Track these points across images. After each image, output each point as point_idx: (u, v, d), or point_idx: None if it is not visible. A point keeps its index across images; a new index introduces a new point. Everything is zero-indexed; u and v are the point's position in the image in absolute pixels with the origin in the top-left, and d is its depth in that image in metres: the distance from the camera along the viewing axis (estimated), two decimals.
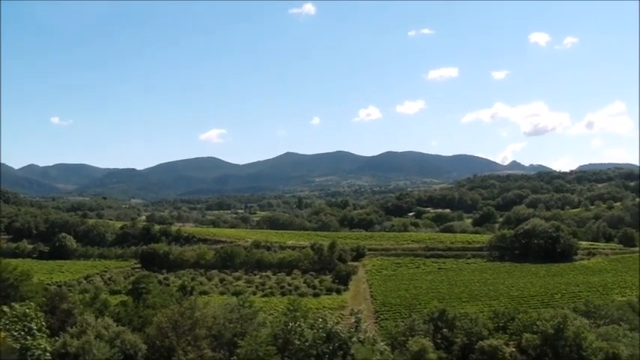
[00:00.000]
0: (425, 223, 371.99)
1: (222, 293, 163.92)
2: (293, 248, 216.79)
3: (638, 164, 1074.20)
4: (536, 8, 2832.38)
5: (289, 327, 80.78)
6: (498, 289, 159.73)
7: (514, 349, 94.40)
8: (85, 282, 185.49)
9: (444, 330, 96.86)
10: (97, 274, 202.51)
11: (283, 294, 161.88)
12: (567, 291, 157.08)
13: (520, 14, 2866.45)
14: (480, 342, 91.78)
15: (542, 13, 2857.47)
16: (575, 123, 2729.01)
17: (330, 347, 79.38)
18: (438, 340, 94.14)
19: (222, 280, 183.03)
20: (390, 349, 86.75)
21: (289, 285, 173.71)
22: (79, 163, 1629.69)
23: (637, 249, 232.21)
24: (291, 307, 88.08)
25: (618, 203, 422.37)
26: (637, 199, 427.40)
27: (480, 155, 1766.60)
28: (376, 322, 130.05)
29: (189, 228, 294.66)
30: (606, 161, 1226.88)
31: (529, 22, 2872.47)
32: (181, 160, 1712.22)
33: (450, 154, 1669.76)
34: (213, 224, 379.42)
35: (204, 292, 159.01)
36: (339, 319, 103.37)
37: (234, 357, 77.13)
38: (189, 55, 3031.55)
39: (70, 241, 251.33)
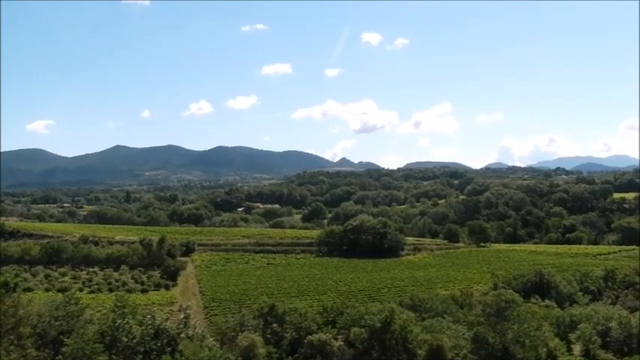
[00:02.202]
0: (254, 218, 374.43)
1: (47, 290, 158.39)
2: (122, 243, 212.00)
3: (462, 163, 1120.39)
4: (369, 9, 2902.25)
5: (117, 324, 79.62)
6: (326, 284, 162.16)
7: (342, 343, 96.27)
8: None
9: (274, 325, 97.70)
10: None
11: (111, 290, 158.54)
12: (393, 285, 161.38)
13: (354, 14, 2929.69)
14: (309, 336, 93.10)
15: (376, 13, 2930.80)
16: (404, 122, 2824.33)
17: (159, 344, 78.88)
18: (268, 335, 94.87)
19: (47, 277, 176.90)
20: (220, 344, 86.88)
21: (117, 281, 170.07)
22: None
23: (461, 244, 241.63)
24: (119, 304, 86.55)
25: (443, 200, 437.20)
26: (461, 197, 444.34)
27: (311, 152, 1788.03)
28: (206, 318, 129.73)
29: (13, 222, 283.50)
30: (432, 160, 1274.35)
31: (362, 22, 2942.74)
32: (5, 152, 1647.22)
33: (281, 150, 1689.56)
34: (39, 218, 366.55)
35: (29, 289, 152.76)
36: (169, 316, 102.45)
37: (60, 356, 75.28)
38: (13, 41, 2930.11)
39: None
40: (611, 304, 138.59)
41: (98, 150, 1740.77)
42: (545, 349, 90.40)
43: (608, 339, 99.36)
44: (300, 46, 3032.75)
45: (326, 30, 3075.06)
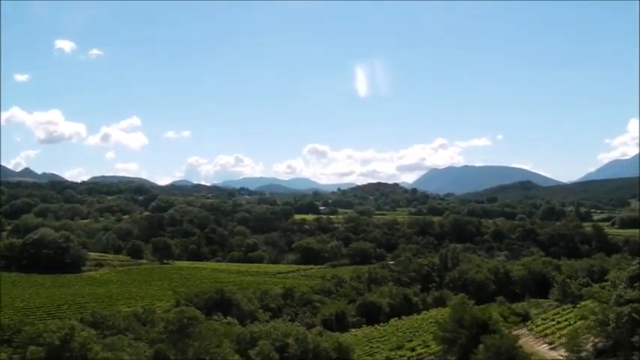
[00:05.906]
0: None
1: None
2: None
3: (148, 179, 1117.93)
4: (65, 15, 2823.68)
5: None
6: (3, 301, 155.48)
7: None
8: None
9: None
10: None
11: None
12: (74, 302, 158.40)
13: (48, 18, 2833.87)
14: None
15: (70, 21, 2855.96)
16: (92, 134, 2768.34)
17: None
18: None
19: None
20: None
21: None
22: None
23: (144, 261, 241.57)
24: None
25: (127, 216, 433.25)
26: (145, 213, 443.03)
27: None
28: None
29: None
30: (118, 174, 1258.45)
31: (57, 27, 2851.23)
32: None
33: None
34: None
35: None
36: None
37: None
38: None
39: None
40: (290, 320, 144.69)
41: None
42: None
43: (285, 354, 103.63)
44: None
45: (16, 33, 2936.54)
